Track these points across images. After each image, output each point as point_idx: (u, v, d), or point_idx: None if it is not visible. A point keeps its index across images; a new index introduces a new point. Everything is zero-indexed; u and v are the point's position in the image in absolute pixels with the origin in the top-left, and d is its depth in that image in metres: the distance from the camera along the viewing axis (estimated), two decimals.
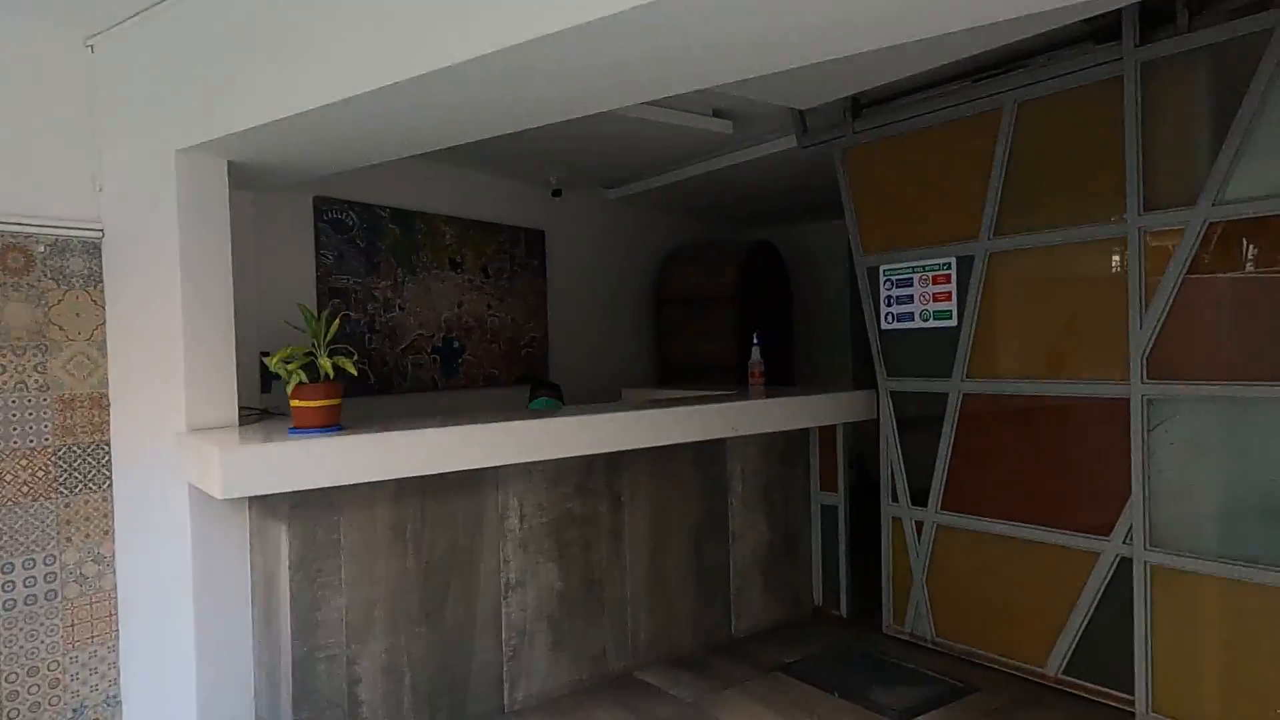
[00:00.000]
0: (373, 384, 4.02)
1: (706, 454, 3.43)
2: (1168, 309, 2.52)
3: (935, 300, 3.24)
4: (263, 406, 3.48)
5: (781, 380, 6.08)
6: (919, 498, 3.36)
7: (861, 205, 3.53)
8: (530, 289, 4.93)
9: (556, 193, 4.81)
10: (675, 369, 5.92)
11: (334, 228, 3.86)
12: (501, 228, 4.76)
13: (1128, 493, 2.65)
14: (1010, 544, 3.02)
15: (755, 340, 4.14)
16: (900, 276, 3.38)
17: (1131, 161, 2.59)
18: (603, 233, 5.61)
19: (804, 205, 6.03)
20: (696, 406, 3.18)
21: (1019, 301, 3.04)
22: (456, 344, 4.47)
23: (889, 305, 3.44)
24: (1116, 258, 2.69)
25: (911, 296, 3.34)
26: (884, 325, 3.46)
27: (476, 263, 4.58)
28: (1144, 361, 2.58)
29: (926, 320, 3.28)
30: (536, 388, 3.87)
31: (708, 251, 5.99)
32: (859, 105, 3.49)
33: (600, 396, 5.12)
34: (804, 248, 7.02)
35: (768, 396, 3.57)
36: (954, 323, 3.18)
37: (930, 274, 3.25)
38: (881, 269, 3.46)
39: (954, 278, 3.17)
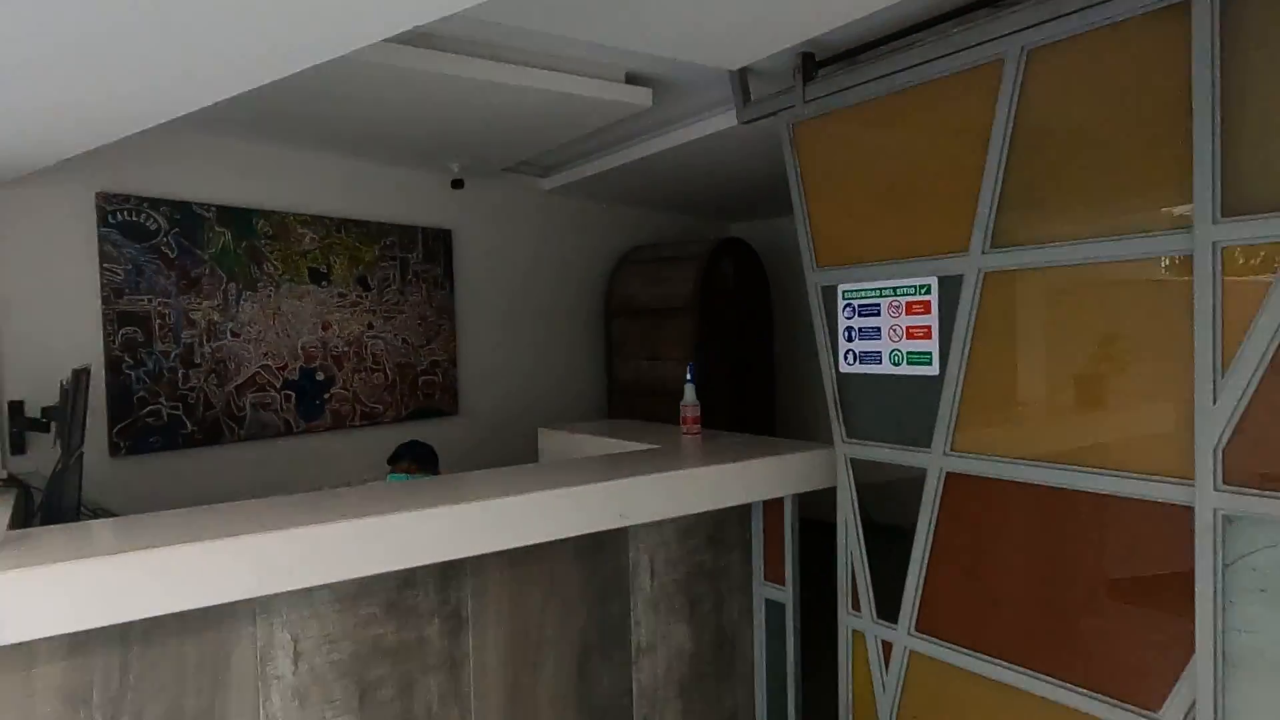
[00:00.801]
0: (191, 434, 3.19)
1: (597, 541, 2.56)
2: (1260, 374, 1.60)
3: (910, 337, 2.33)
4: (10, 473, 2.67)
5: (757, 419, 5.17)
6: (888, 608, 2.46)
7: (814, 200, 2.62)
8: (429, 303, 4.07)
9: (458, 183, 3.95)
10: (627, 396, 5.05)
11: (127, 233, 3.02)
12: (388, 227, 3.90)
13: (1188, 650, 1.74)
14: (1009, 693, 2.12)
15: (689, 375, 3.25)
16: (864, 301, 2.47)
17: (1204, 136, 1.67)
18: (535, 231, 4.73)
19: (785, 194, 5.11)
20: (574, 488, 2.31)
21: (1028, 345, 2.12)
22: (320, 376, 3.62)
23: (849, 339, 2.53)
24: (1176, 288, 1.77)
25: (878, 330, 2.43)
26: (843, 366, 2.56)
27: (349, 272, 3.73)
28: (1218, 456, 1.66)
29: (898, 364, 2.38)
30: (398, 457, 3.00)
31: (664, 252, 5.10)
32: (812, 64, 2.58)
33: (521, 439, 4.26)
34: (789, 246, 6.10)
35: (702, 458, 2.71)
36: (934, 370, 2.27)
37: (903, 299, 2.35)
38: (840, 289, 2.55)
39: (935, 306, 2.27)
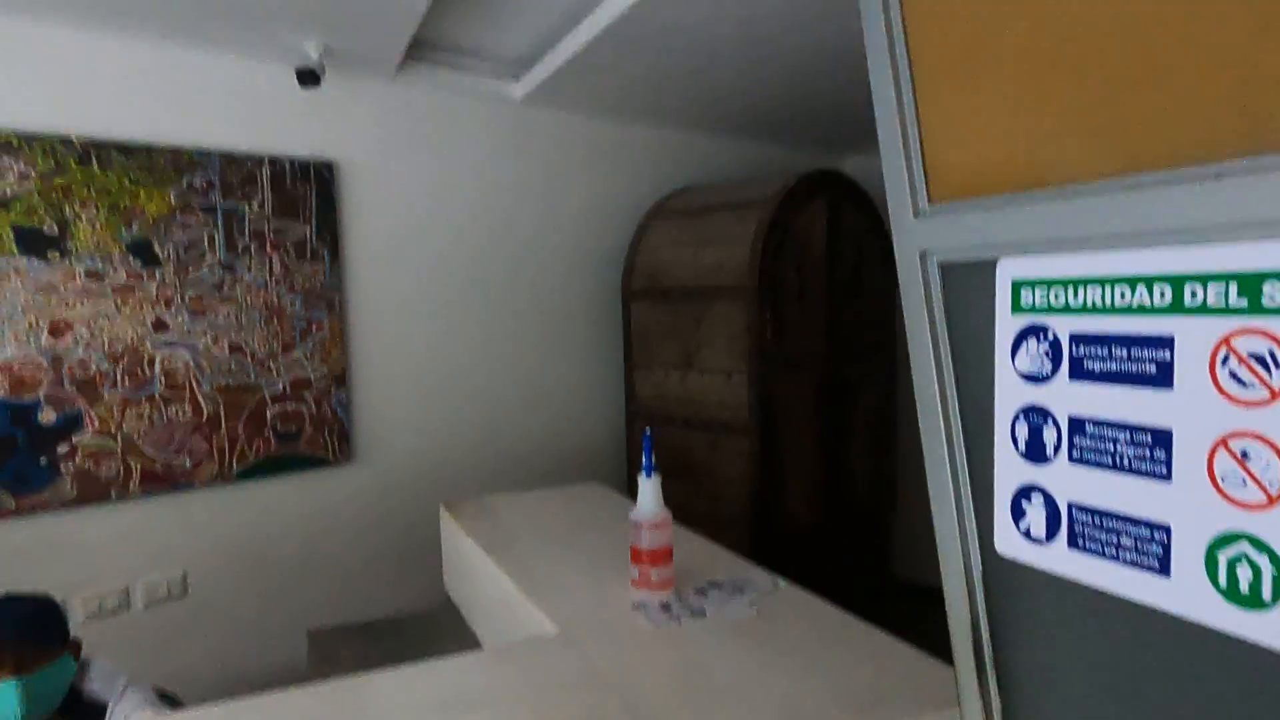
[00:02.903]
0: None
1: None
2: None
3: None
4: None
5: (862, 502, 3.27)
6: None
7: (919, 17, 0.81)
8: (290, 285, 2.56)
9: (308, 77, 2.37)
10: (652, 424, 3.35)
11: None
12: (196, 158, 2.39)
13: None
14: None
15: (645, 453, 1.56)
16: (1103, 327, 0.66)
17: None
18: (501, 166, 3.10)
19: None
20: None
21: None
22: (49, 415, 2.18)
23: (1032, 453, 0.73)
24: None
25: (1164, 444, 0.62)
26: (1004, 541, 0.76)
27: (110, 234, 2.26)
28: None
29: (1254, 603, 0.56)
30: None
31: (712, 197, 3.33)
32: None
33: (471, 502, 2.72)
34: None
35: None
36: None
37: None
38: (1003, 274, 0.74)
39: None
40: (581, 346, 3.37)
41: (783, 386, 3.04)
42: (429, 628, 2.18)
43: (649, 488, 1.61)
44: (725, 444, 3.06)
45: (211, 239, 2.42)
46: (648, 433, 1.60)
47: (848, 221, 3.28)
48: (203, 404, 2.42)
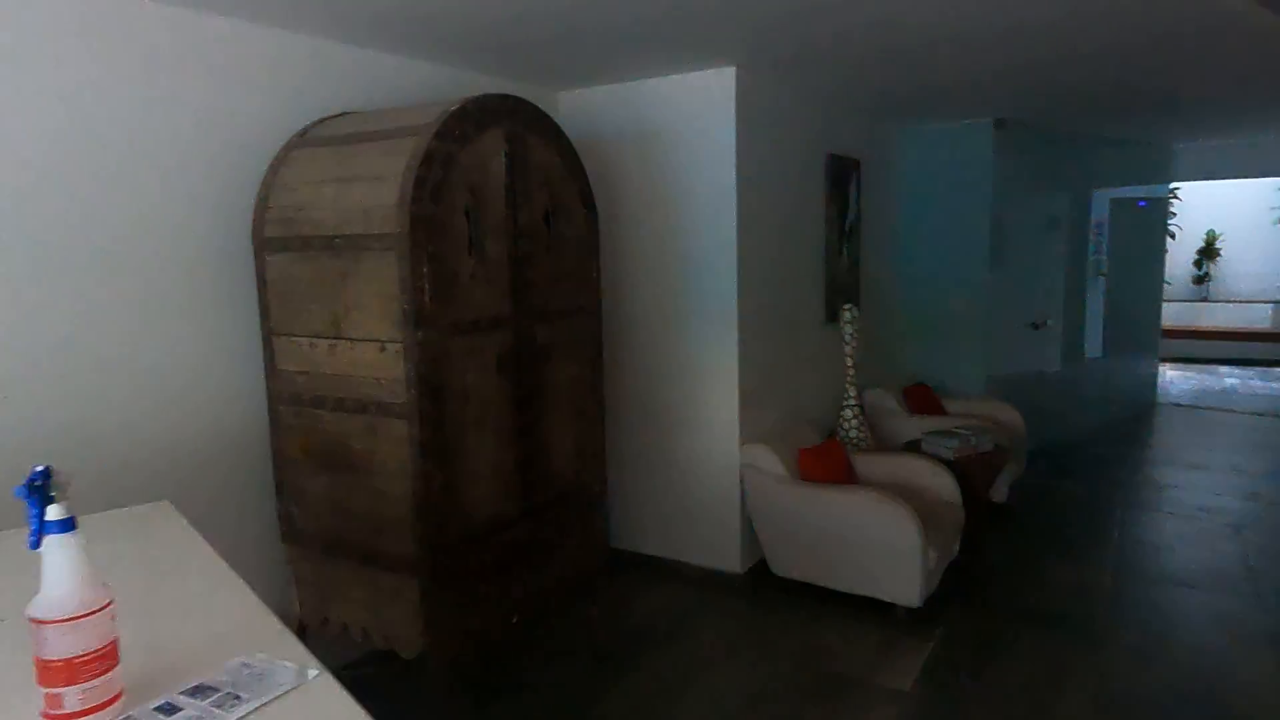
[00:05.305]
0: None
1: None
2: None
3: None
4: None
5: (571, 461, 2.68)
6: None
7: None
8: None
9: None
10: (299, 409, 2.63)
11: None
12: None
13: None
14: None
15: (28, 497, 0.95)
16: None
17: None
18: (82, 68, 2.18)
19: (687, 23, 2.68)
20: None
21: None
22: None
23: None
24: None
25: None
26: None
27: None
28: None
29: None
30: None
31: (365, 124, 2.62)
32: None
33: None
34: (653, 125, 3.81)
35: None
36: None
37: None
38: None
39: None
40: (201, 310, 2.56)
41: (453, 357, 2.44)
42: None
43: (58, 558, 0.95)
44: (384, 429, 2.43)
45: None
46: (39, 471, 0.94)
47: (536, 158, 2.71)
48: None
